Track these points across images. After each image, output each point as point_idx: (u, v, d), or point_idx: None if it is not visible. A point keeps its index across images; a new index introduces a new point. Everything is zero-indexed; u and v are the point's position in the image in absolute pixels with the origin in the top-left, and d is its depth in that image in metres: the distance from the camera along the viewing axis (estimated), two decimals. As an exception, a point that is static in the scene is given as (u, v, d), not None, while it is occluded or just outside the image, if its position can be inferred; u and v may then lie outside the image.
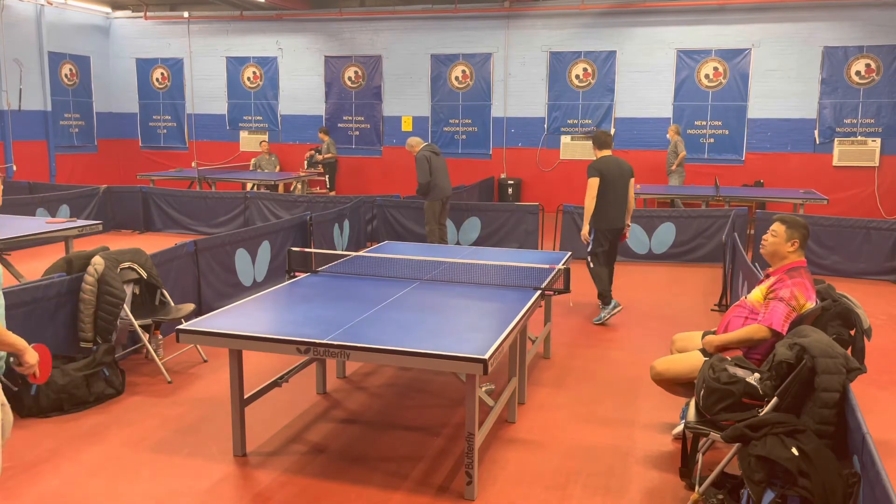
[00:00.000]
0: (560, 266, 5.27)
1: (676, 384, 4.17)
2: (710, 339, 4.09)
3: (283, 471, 4.00)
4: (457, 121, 15.31)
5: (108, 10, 16.81)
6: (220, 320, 4.08)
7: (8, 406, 3.04)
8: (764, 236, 4.18)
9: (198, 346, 5.78)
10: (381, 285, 4.97)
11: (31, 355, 2.92)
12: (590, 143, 7.82)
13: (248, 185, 14.24)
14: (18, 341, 2.90)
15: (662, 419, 4.71)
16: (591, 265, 7.15)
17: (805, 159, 13.45)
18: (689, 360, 4.09)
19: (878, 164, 13.11)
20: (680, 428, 4.46)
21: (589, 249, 7.14)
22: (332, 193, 14.74)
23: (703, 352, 4.08)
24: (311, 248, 8.37)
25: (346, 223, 9.89)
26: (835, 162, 13.34)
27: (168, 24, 16.65)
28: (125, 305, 5.34)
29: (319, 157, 14.98)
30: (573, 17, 14.30)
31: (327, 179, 15.12)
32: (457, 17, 14.92)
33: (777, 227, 4.10)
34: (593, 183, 6.86)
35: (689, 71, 13.85)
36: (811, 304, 3.91)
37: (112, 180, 15.68)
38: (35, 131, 15.19)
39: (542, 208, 10.42)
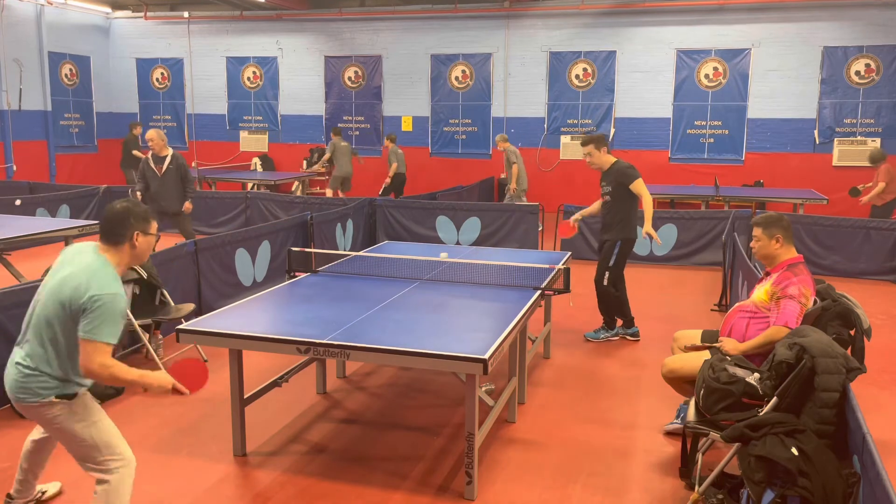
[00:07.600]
0: (560, 266, 5.28)
1: (686, 382, 4.16)
2: (734, 347, 3.98)
3: (283, 471, 4.00)
4: (457, 121, 15.31)
5: (108, 10, 16.81)
6: (220, 320, 4.08)
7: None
8: (751, 244, 4.22)
9: (198, 346, 5.78)
10: (381, 285, 4.96)
11: (157, 382, 2.91)
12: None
13: (249, 185, 14.24)
14: (135, 377, 2.85)
15: (662, 419, 4.71)
16: (617, 288, 6.35)
17: (805, 159, 13.45)
18: (702, 359, 4.07)
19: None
20: (672, 425, 4.46)
21: (612, 264, 6.24)
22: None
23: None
24: (311, 248, 8.36)
25: (350, 223, 9.88)
26: (835, 162, 13.33)
27: (168, 24, 16.64)
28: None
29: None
30: (573, 17, 14.29)
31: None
32: (457, 17, 14.92)
33: (756, 232, 4.16)
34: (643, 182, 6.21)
35: (689, 71, 13.85)
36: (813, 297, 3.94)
37: (112, 180, 15.64)
38: (35, 131, 15.19)
39: (542, 208, 10.41)
